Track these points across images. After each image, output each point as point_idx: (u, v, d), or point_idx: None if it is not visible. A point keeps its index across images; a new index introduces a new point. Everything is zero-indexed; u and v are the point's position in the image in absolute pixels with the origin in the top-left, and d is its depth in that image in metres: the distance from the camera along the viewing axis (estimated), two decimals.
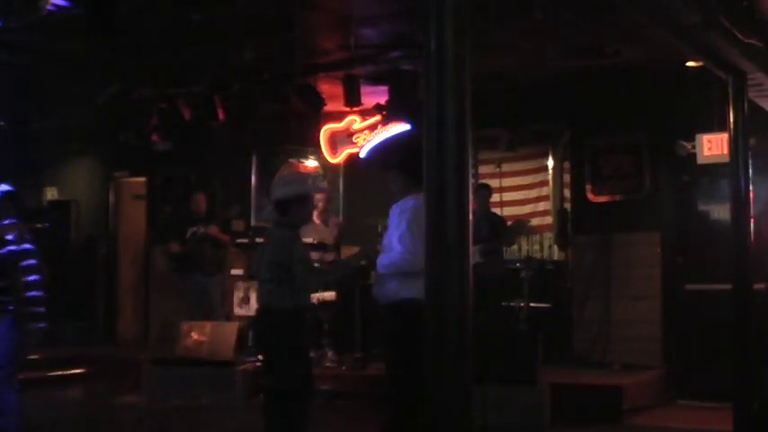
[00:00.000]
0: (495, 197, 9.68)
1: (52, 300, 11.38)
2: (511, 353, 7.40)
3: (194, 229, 9.60)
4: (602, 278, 9.46)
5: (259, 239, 9.73)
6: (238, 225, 10.84)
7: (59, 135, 12.37)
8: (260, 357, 9.02)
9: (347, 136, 11.24)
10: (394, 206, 5.18)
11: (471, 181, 3.34)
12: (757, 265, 7.04)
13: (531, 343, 7.58)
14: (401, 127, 10.50)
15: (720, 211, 8.76)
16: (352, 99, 9.36)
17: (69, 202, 12.70)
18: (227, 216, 10.09)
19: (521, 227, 9.51)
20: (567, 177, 10.62)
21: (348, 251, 8.94)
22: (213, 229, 9.57)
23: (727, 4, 5.93)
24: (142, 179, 12.45)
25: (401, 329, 5.05)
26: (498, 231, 8.83)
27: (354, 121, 11.16)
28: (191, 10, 6.91)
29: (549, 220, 11.19)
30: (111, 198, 12.74)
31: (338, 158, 11.36)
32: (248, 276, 10.50)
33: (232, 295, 10.42)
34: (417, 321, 4.98)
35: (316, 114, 10.16)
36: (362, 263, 6.62)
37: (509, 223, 9.31)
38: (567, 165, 10.62)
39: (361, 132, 11.14)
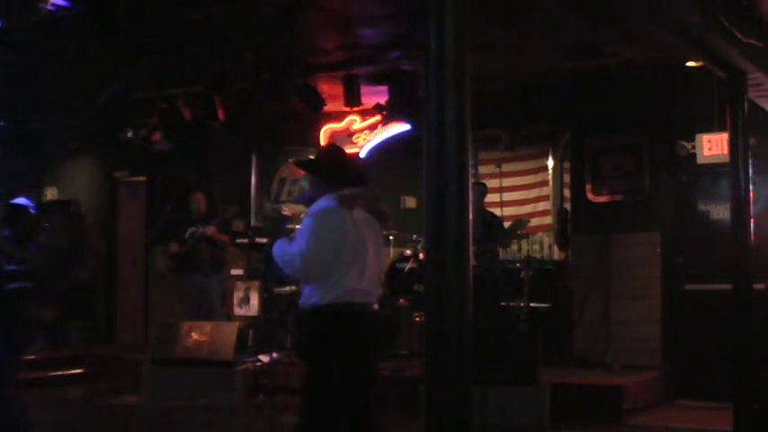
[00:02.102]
0: (495, 197, 9.67)
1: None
2: (511, 353, 7.40)
3: (193, 229, 9.60)
4: (602, 278, 9.46)
5: (259, 240, 9.76)
6: (238, 225, 10.84)
7: (59, 135, 12.37)
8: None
9: (347, 136, 11.24)
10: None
11: (471, 181, 3.35)
12: (757, 265, 7.04)
13: (531, 343, 7.57)
14: (401, 127, 10.51)
15: (720, 211, 8.76)
16: (352, 99, 9.36)
17: (69, 202, 12.70)
18: (225, 216, 10.08)
19: (519, 227, 9.49)
20: (567, 177, 10.62)
21: None
22: (211, 230, 9.57)
23: (727, 4, 5.93)
24: (142, 179, 12.45)
25: (316, 337, 4.74)
26: (492, 231, 8.77)
27: (354, 121, 11.16)
28: (191, 10, 6.91)
29: (549, 220, 11.19)
30: (112, 198, 12.74)
31: None
32: (248, 276, 10.50)
33: (232, 295, 10.42)
34: (336, 329, 4.69)
35: (316, 114, 10.15)
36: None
37: (507, 224, 9.28)
38: (567, 165, 10.62)
39: (361, 132, 11.15)
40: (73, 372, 10.34)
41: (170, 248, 9.83)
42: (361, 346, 4.75)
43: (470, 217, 3.29)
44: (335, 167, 4.93)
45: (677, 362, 8.77)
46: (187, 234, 9.62)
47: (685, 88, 8.72)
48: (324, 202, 4.79)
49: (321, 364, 4.69)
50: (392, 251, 10.17)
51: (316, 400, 4.66)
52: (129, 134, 10.57)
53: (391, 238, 9.71)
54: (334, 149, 5.27)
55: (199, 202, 9.87)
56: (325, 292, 4.66)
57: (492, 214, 9.11)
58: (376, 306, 4.85)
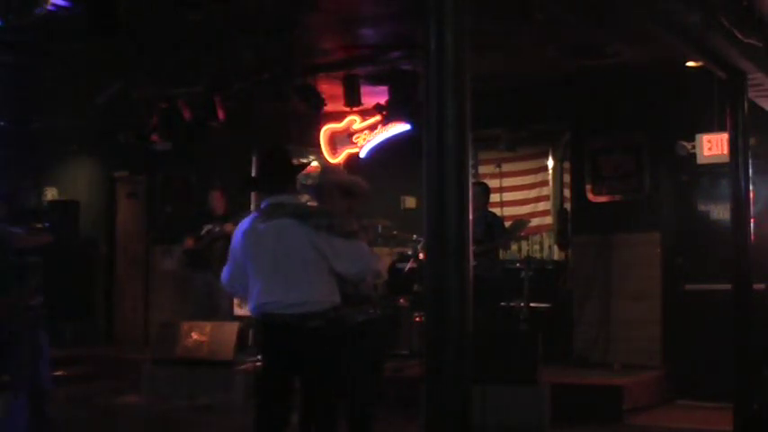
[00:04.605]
0: (495, 197, 9.66)
1: (53, 300, 11.40)
2: (511, 353, 7.40)
3: (209, 226, 9.56)
4: (602, 278, 9.45)
5: None
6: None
7: (59, 135, 12.37)
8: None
9: (347, 136, 11.25)
10: None
11: (471, 181, 3.35)
12: (757, 265, 7.04)
13: (531, 343, 7.57)
14: (401, 127, 10.51)
15: (720, 211, 8.76)
16: (352, 99, 9.36)
17: (69, 202, 12.70)
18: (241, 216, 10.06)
19: (519, 227, 9.48)
20: (566, 177, 10.62)
21: None
22: (229, 227, 9.56)
23: (727, 4, 5.93)
24: (142, 179, 12.44)
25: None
26: (493, 232, 8.76)
27: (354, 121, 11.16)
28: (191, 10, 6.91)
29: (549, 220, 11.20)
30: (111, 198, 12.74)
31: (338, 158, 11.37)
32: None
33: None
34: (261, 339, 4.76)
35: (316, 114, 10.15)
36: None
37: (507, 224, 9.28)
38: (567, 165, 10.62)
39: (361, 132, 11.15)
40: (73, 372, 10.33)
41: (185, 243, 9.77)
42: (280, 360, 4.62)
43: (470, 217, 3.29)
44: (261, 173, 4.87)
45: (677, 362, 8.77)
46: (203, 231, 9.58)
47: (685, 88, 8.72)
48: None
49: (261, 367, 4.83)
50: (392, 251, 10.19)
51: (257, 398, 4.80)
52: (123, 138, 10.56)
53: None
54: (264, 153, 5.06)
55: (217, 200, 9.83)
56: (249, 303, 4.71)
57: (494, 215, 9.08)
58: (310, 316, 4.53)
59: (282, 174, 4.78)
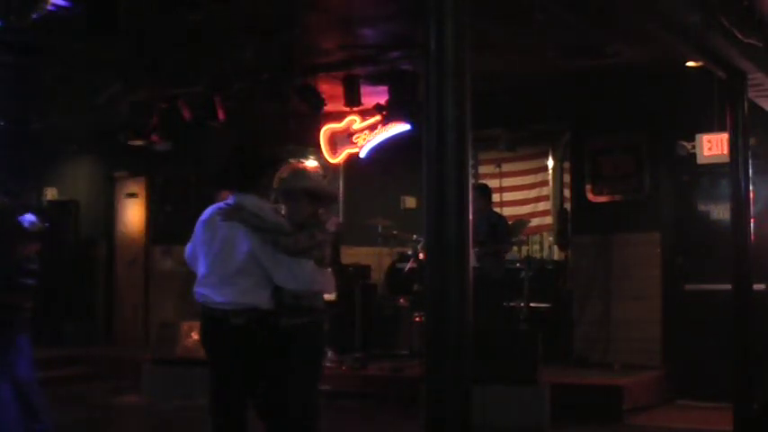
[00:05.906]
0: (496, 197, 9.66)
1: (53, 300, 11.42)
2: (511, 353, 7.41)
3: None
4: (602, 278, 9.46)
5: None
6: None
7: (59, 135, 12.37)
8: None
9: (347, 136, 11.25)
10: None
11: (471, 181, 3.35)
12: (757, 265, 7.04)
13: (531, 343, 7.58)
14: (401, 127, 10.51)
15: (720, 211, 8.76)
16: (352, 99, 9.36)
17: (69, 202, 12.70)
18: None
19: (519, 228, 9.49)
20: (566, 177, 10.62)
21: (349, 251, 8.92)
22: None
23: (727, 4, 5.93)
24: (140, 178, 12.44)
25: None
26: (497, 233, 8.76)
27: (354, 121, 11.16)
28: (191, 10, 6.91)
29: (549, 220, 11.21)
30: (111, 198, 12.74)
31: (338, 158, 11.37)
32: None
33: None
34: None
35: (316, 114, 10.16)
36: None
37: (510, 223, 9.28)
38: (567, 165, 10.62)
39: (361, 132, 11.15)
40: (73, 372, 10.33)
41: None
42: (212, 348, 4.86)
43: (470, 217, 3.29)
44: (230, 170, 5.03)
45: (677, 362, 8.77)
46: None
47: (685, 88, 8.72)
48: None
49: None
50: (392, 251, 10.20)
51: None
52: (123, 138, 10.54)
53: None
54: (234, 150, 5.21)
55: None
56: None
57: (498, 215, 9.08)
58: (233, 314, 4.71)
59: (249, 172, 5.00)
